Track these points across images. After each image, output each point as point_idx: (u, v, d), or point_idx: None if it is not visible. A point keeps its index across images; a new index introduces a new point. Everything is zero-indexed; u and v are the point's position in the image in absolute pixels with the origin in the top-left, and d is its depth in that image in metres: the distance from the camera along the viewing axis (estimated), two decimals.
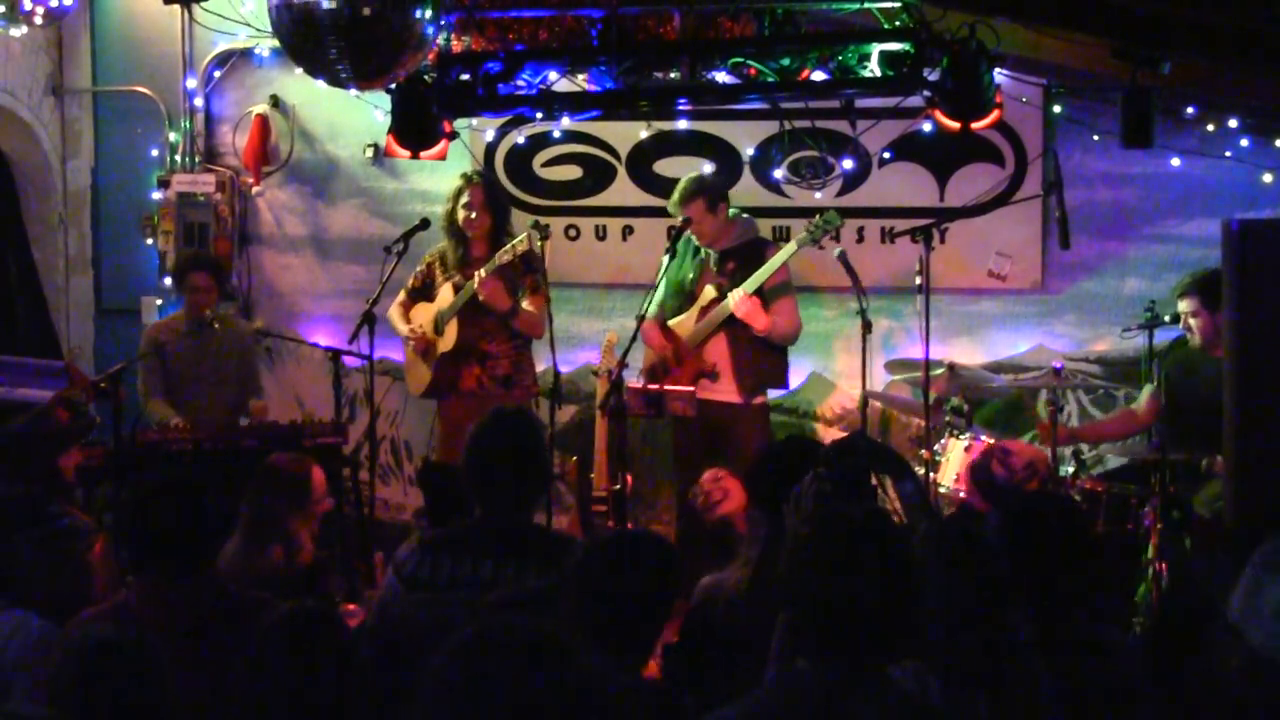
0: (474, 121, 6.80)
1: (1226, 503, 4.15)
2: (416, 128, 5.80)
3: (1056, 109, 6.52)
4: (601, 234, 7.06)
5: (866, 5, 5.42)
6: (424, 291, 6.35)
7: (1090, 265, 6.70)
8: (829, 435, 6.76)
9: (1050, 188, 5.97)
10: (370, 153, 7.15)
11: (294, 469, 4.63)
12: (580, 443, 6.60)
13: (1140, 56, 5.23)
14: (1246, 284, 3.91)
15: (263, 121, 7.24)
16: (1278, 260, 3.92)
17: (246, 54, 7.21)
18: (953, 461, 5.62)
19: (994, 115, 5.55)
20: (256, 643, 2.76)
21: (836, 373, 6.93)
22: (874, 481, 3.46)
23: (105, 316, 7.51)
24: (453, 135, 5.97)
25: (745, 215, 6.28)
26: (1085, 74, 6.01)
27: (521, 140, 7.05)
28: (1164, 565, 5.07)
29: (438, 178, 6.94)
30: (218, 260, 6.78)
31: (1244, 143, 6.36)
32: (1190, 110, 6.22)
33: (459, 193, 6.21)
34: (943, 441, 5.75)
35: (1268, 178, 6.41)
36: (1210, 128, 6.33)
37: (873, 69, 5.36)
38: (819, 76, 5.46)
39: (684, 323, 6.19)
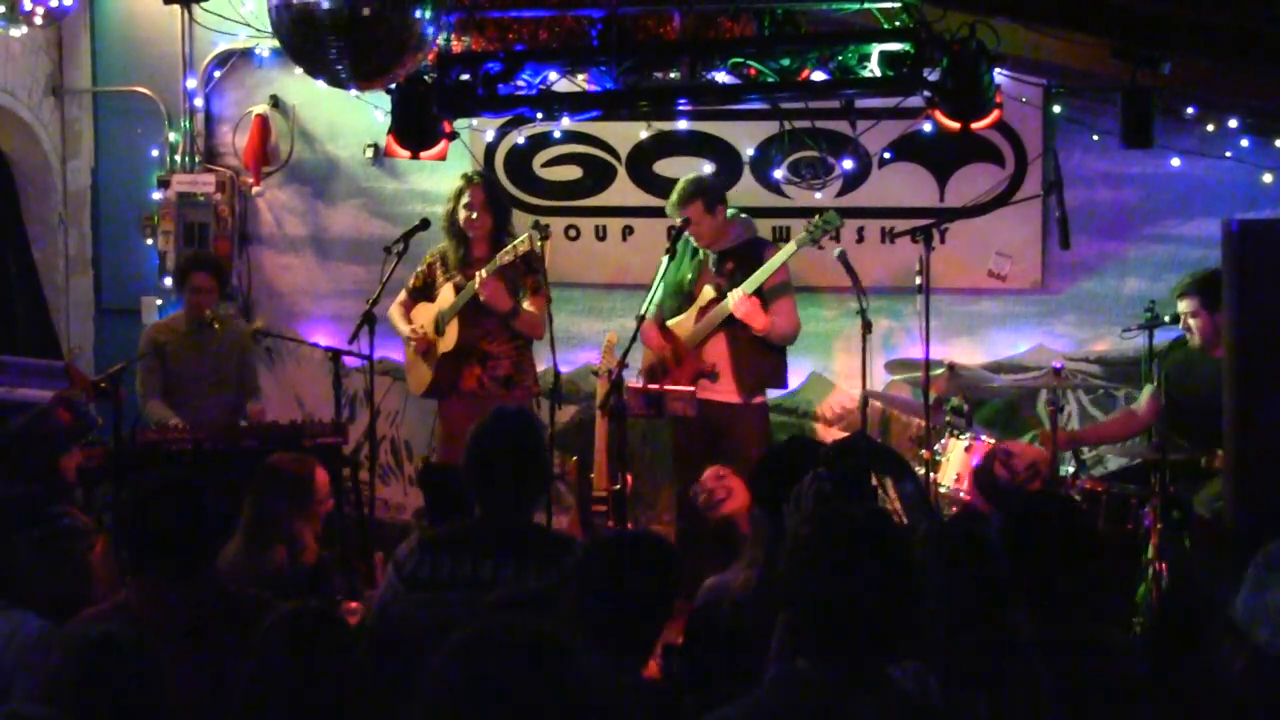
0: (474, 122, 6.80)
1: (1226, 503, 4.16)
2: (416, 128, 5.80)
3: (1056, 109, 6.51)
4: (601, 234, 7.06)
5: (866, 5, 5.41)
6: (424, 291, 6.35)
7: (1090, 265, 6.70)
8: (829, 435, 6.76)
9: (1050, 188, 5.97)
10: (370, 153, 7.15)
11: (296, 469, 4.61)
12: (580, 443, 6.60)
13: (1140, 56, 5.23)
14: (1246, 284, 3.92)
15: (263, 121, 7.23)
16: (1278, 260, 3.93)
17: (246, 54, 7.21)
18: (953, 461, 5.62)
19: (994, 115, 5.55)
20: (257, 642, 2.76)
21: (836, 373, 6.92)
22: (874, 482, 3.45)
23: (105, 316, 7.51)
24: (453, 135, 5.97)
25: (744, 216, 6.28)
26: (1085, 74, 6.01)
27: (521, 140, 7.05)
28: (1164, 565, 5.08)
29: (438, 178, 6.94)
30: (219, 260, 6.76)
31: (1244, 143, 6.35)
32: (1190, 110, 6.21)
33: (460, 193, 6.21)
34: (943, 441, 5.75)
35: (1268, 178, 6.40)
36: (1210, 128, 6.32)
37: (873, 69, 5.35)
38: (819, 77, 5.45)
39: (683, 323, 6.19)
